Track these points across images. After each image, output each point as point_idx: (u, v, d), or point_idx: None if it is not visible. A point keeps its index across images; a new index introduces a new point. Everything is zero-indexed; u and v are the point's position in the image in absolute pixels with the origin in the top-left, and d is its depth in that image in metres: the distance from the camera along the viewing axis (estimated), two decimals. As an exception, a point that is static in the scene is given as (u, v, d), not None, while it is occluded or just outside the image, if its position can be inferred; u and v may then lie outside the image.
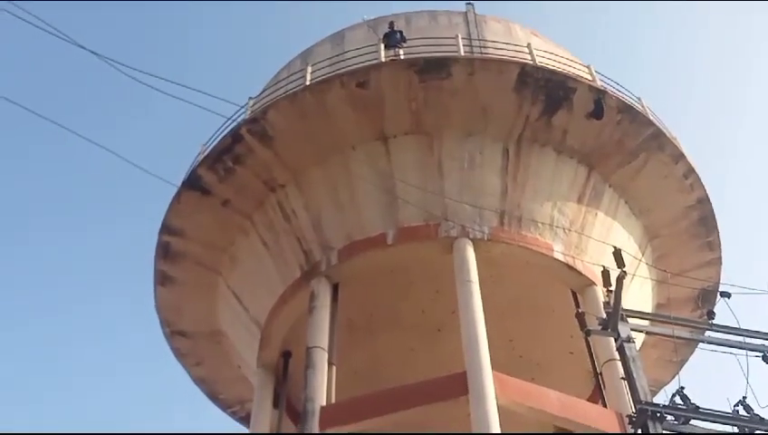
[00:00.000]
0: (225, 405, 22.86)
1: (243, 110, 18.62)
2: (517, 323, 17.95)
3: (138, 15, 57.99)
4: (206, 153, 18.49)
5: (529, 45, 18.39)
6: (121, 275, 53.37)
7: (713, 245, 19.62)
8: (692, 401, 9.12)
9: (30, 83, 50.32)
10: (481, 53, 18.62)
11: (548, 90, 17.22)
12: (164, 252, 19.43)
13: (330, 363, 15.84)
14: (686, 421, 8.97)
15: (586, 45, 60.22)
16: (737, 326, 10.10)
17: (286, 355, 18.59)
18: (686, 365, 20.59)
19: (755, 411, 9.15)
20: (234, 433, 22.81)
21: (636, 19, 61.28)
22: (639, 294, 18.41)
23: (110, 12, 55.03)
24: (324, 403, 14.98)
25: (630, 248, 18.22)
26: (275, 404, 18.23)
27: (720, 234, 19.54)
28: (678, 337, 10.53)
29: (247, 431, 18.15)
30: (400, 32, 19.09)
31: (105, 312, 52.83)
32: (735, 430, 9.12)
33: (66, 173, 56.02)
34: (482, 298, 15.50)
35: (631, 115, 17.87)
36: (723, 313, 10.41)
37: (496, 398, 13.69)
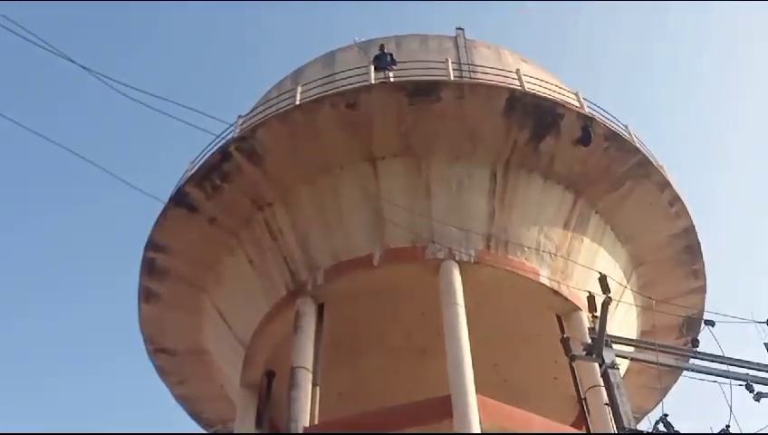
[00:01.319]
0: (207, 424, 22.67)
1: (232, 127, 18.64)
2: (502, 347, 17.94)
3: (129, 29, 58.07)
4: (193, 170, 18.46)
5: (518, 71, 18.52)
6: (108, 290, 53.22)
7: (698, 273, 19.73)
8: (675, 429, 9.12)
9: (15, 94, 50.25)
10: (470, 77, 18.74)
11: (536, 115, 17.34)
12: (149, 268, 19.34)
13: (314, 384, 15.75)
14: (669, 449, 8.98)
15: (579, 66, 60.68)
16: (721, 355, 10.13)
17: (270, 375, 18.49)
18: (669, 393, 20.63)
19: (739, 440, 9.17)
20: (226, 432, 22.54)
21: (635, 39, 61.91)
22: (624, 321, 18.46)
23: (102, 25, 55.11)
24: (307, 424, 14.89)
25: (616, 275, 18.29)
26: (258, 424, 18.10)
27: (705, 262, 19.66)
28: (662, 364, 10.52)
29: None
30: (391, 54, 19.19)
31: (91, 324, 52.64)
32: (718, 458, 9.14)
33: (52, 187, 55.76)
34: (467, 321, 15.51)
35: (618, 142, 18.00)
36: (707, 341, 10.44)
37: (480, 421, 13.64)
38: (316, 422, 15.14)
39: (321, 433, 15.08)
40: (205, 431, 22.86)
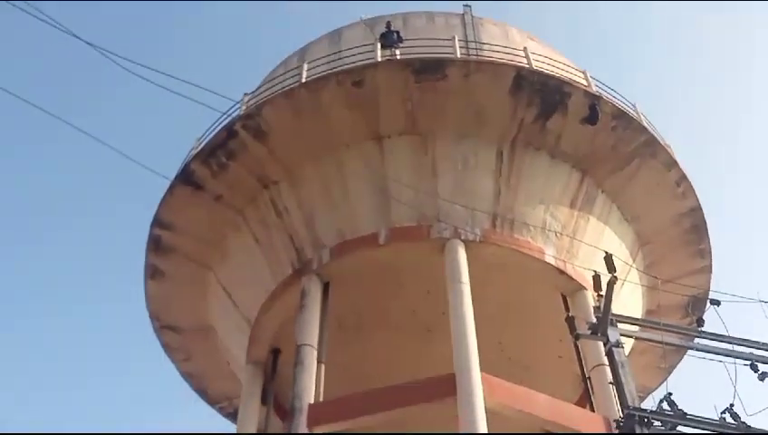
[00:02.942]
0: (212, 401, 22.82)
1: (238, 105, 18.60)
2: (507, 326, 17.97)
3: (135, 7, 57.85)
4: (199, 148, 18.46)
5: (525, 49, 18.41)
6: (114, 268, 53.33)
7: (704, 252, 19.70)
8: (679, 408, 9.13)
9: (22, 73, 50.15)
10: (477, 55, 18.63)
11: (543, 94, 17.25)
12: (155, 246, 19.39)
13: (319, 361, 15.83)
14: (673, 427, 8.97)
15: (583, 45, 60.30)
16: (726, 334, 10.12)
17: (275, 352, 18.58)
18: (674, 372, 20.66)
19: (742, 419, 9.17)
20: (225, 433, 22.82)
21: (636, 21, 61.47)
22: (630, 300, 18.45)
23: (108, 4, 54.89)
24: (312, 401, 14.98)
25: (621, 254, 18.27)
26: (263, 401, 18.21)
27: (711, 242, 19.62)
28: (667, 343, 10.50)
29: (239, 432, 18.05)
30: (397, 32, 19.08)
31: (99, 305, 52.81)
32: (722, 437, 9.14)
33: (59, 165, 55.82)
34: (472, 300, 15.52)
35: (625, 121, 17.92)
36: (712, 320, 10.43)
37: (484, 400, 13.71)
38: (321, 399, 15.23)
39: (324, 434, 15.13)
40: (211, 408, 23.02)
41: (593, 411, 15.46)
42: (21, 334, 51.21)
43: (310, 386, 15.20)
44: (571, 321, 10.65)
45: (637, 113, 18.40)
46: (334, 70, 17.65)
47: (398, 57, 18.02)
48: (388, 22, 19.68)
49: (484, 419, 13.38)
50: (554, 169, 18.02)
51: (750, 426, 9.09)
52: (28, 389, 48.45)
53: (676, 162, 18.55)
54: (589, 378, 15.84)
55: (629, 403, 9.04)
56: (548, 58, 18.81)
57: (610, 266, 10.06)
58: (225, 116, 18.35)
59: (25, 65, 52.43)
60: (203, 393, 22.72)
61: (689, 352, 10.61)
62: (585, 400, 16.36)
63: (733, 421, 9.16)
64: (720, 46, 60.22)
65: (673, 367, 20.42)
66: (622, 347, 9.68)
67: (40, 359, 49.47)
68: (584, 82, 18.16)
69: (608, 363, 9.86)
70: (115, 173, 52.20)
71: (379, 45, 18.26)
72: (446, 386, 14.18)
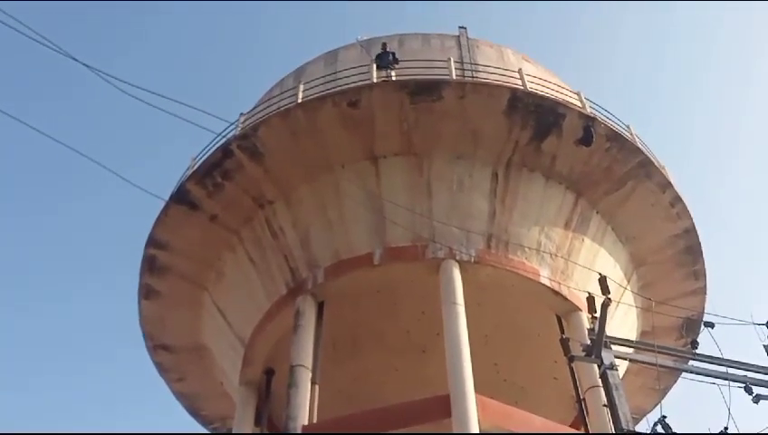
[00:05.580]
0: (206, 421, 22.69)
1: (234, 125, 18.64)
2: (502, 347, 17.93)
3: (132, 27, 58.07)
4: (195, 168, 18.47)
5: (520, 71, 18.50)
6: (108, 288, 53.24)
7: (698, 274, 19.71)
8: (673, 430, 9.13)
9: (15, 90, 50.30)
10: (473, 76, 18.72)
11: (538, 115, 17.32)
12: (150, 265, 19.35)
13: (313, 382, 15.75)
14: (667, 450, 8.98)
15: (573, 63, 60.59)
16: (720, 356, 10.13)
17: (269, 373, 18.49)
18: (668, 394, 20.63)
19: (736, 442, 9.17)
20: (224, 433, 22.59)
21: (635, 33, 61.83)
22: (624, 322, 18.45)
23: (102, 22, 55.11)
24: (306, 422, 14.89)
25: (616, 275, 18.28)
26: (257, 422, 18.11)
27: (705, 263, 19.64)
28: (662, 366, 10.52)
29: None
30: (393, 53, 19.17)
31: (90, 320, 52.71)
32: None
33: (52, 184, 55.78)
34: (467, 320, 15.50)
35: (620, 143, 17.98)
36: (707, 342, 10.44)
37: (479, 421, 13.65)
38: (315, 421, 15.14)
39: (320, 433, 15.07)
40: (204, 429, 22.89)
41: (588, 433, 15.40)
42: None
43: (304, 407, 15.12)
44: (565, 342, 10.63)
45: (631, 135, 18.47)
46: (330, 91, 17.71)
47: (394, 78, 18.08)
48: (384, 43, 19.77)
49: (479, 440, 13.32)
50: (549, 191, 18.06)
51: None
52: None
53: (670, 183, 18.60)
54: (583, 400, 15.77)
55: (624, 425, 9.04)
56: (543, 79, 18.91)
57: (604, 288, 10.07)
58: (220, 136, 18.39)
59: (13, 81, 52.60)
60: (196, 413, 22.59)
61: (684, 374, 10.60)
62: (580, 421, 16.27)
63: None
64: (718, 60, 60.58)
65: (667, 389, 20.41)
66: (616, 369, 9.68)
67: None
68: (579, 104, 18.25)
69: (602, 385, 9.86)
70: (109, 192, 52.17)
71: (374, 66, 18.33)
72: (441, 407, 14.12)
